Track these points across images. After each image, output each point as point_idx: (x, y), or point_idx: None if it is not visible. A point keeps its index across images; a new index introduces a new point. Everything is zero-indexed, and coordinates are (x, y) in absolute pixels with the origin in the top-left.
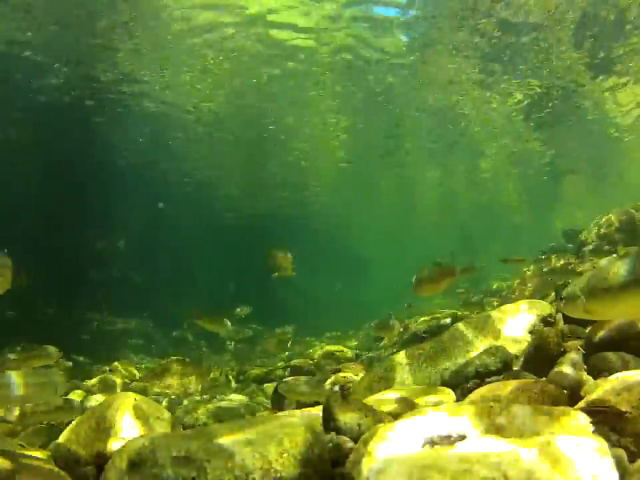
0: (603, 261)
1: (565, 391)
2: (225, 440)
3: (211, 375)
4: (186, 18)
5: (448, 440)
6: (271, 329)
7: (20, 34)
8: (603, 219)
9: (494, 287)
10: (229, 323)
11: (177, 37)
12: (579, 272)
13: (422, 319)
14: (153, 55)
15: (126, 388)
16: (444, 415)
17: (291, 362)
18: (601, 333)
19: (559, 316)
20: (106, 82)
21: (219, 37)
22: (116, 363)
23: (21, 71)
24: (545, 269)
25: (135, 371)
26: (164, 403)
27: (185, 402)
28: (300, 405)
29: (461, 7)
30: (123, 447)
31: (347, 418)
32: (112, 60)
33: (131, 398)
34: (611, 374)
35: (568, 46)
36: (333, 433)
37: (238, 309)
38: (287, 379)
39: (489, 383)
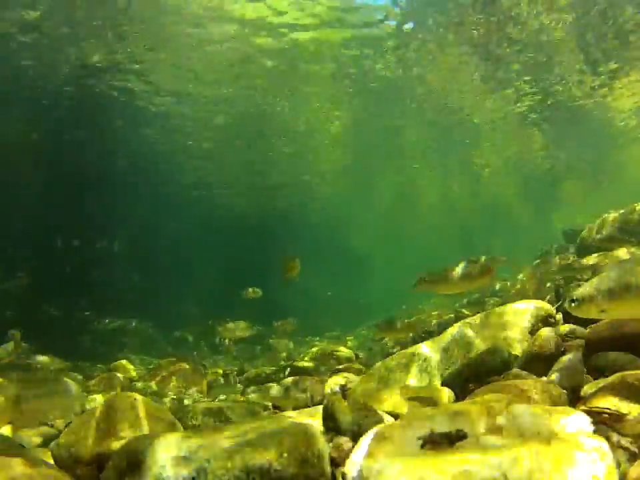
0: (621, 261)
1: (565, 391)
2: (225, 440)
3: (210, 376)
4: (186, 15)
5: (448, 440)
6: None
7: (20, 31)
8: (604, 218)
9: (494, 286)
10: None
11: (177, 33)
12: (592, 266)
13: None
14: (152, 53)
15: (126, 388)
16: (444, 414)
17: (291, 362)
18: (601, 333)
19: (559, 316)
20: (108, 81)
21: (218, 34)
22: (116, 363)
23: (22, 68)
24: (556, 267)
25: (135, 371)
26: (164, 403)
27: (186, 402)
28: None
29: (464, 7)
30: (123, 446)
31: (347, 418)
32: (114, 59)
33: (131, 398)
34: (610, 374)
35: (569, 44)
36: (333, 433)
37: (250, 290)
38: (284, 381)
39: (489, 382)
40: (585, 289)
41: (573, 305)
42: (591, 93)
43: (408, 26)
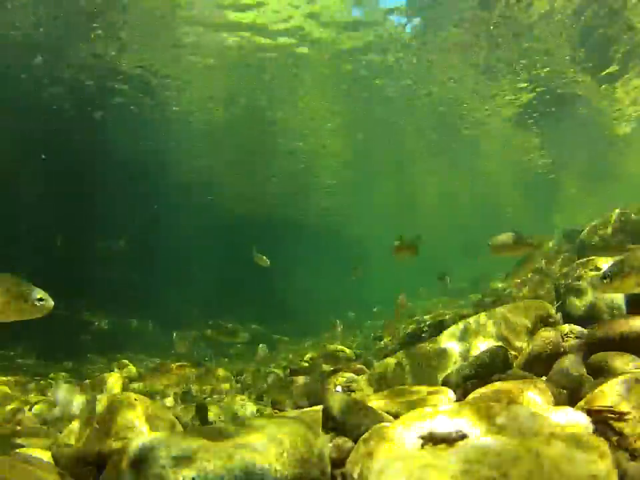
0: None
1: (565, 391)
2: (226, 440)
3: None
4: (189, 19)
5: (448, 440)
6: (272, 327)
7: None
8: (606, 217)
9: (494, 287)
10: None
11: (179, 36)
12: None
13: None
14: (154, 54)
15: (126, 388)
16: (444, 414)
17: (291, 363)
18: (601, 333)
19: (559, 316)
20: (109, 81)
21: (221, 38)
22: (116, 363)
23: (23, 69)
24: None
25: (135, 371)
26: (164, 403)
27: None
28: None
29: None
30: (123, 446)
31: (347, 418)
32: (115, 59)
33: (131, 398)
34: (610, 374)
35: (567, 44)
36: (333, 433)
37: (259, 256)
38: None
39: (489, 383)
40: (616, 267)
41: (604, 281)
42: (591, 90)
43: (410, 27)
